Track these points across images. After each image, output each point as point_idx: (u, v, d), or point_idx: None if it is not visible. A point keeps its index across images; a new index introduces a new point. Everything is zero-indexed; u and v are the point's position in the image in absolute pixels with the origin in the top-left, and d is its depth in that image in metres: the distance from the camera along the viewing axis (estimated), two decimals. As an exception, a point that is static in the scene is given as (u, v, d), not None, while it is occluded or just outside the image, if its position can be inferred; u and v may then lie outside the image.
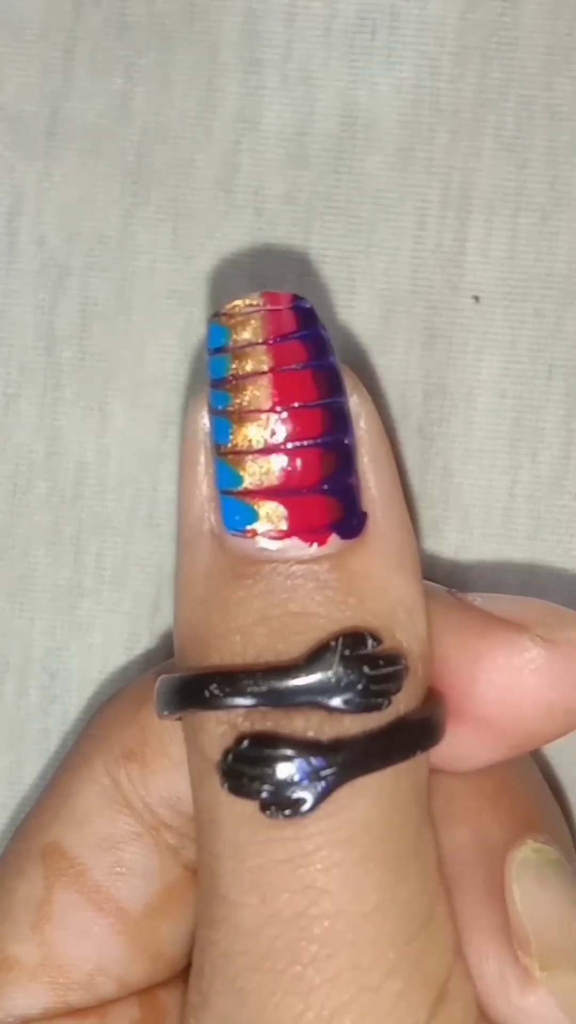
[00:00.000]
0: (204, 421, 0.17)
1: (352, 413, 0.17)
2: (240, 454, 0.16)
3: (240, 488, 0.16)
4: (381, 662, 0.16)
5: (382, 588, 0.16)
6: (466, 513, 0.22)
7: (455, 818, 0.18)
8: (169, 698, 0.17)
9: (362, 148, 0.22)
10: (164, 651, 0.22)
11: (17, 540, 0.23)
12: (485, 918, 0.17)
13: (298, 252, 0.22)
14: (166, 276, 0.22)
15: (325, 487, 0.16)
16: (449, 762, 0.17)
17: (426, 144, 0.22)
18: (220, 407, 0.16)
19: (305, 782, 0.15)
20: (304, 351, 0.16)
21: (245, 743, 0.16)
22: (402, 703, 0.16)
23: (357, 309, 0.22)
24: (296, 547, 0.16)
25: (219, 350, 0.16)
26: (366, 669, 0.16)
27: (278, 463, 0.16)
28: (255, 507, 0.16)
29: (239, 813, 0.16)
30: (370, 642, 0.16)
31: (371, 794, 0.16)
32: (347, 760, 0.16)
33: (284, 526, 0.16)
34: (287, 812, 0.15)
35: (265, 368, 0.16)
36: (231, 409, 0.16)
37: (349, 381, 0.17)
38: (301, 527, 0.16)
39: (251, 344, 0.16)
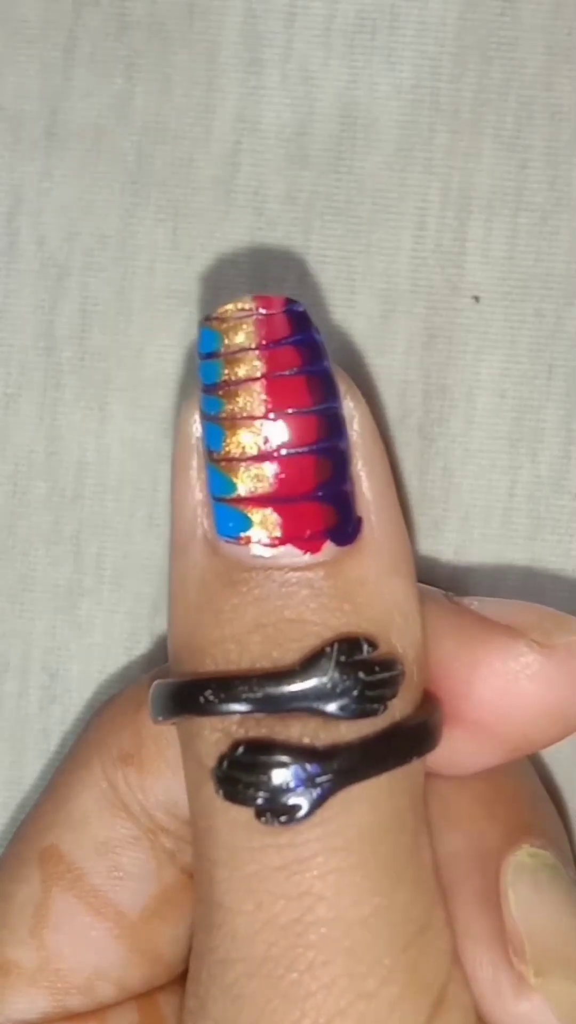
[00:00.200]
0: (196, 425, 0.17)
1: (346, 416, 0.17)
2: (233, 461, 0.16)
3: (233, 495, 0.16)
4: (377, 668, 0.16)
5: (377, 594, 0.16)
6: (466, 513, 0.22)
7: (450, 823, 0.18)
8: (164, 704, 0.17)
9: (362, 148, 0.22)
10: (164, 652, 0.22)
11: (17, 540, 0.23)
12: (480, 924, 0.17)
13: (298, 252, 0.22)
14: (166, 276, 0.22)
15: (320, 494, 0.16)
16: (445, 766, 0.17)
17: (426, 144, 0.22)
18: (212, 413, 0.16)
19: (300, 788, 0.15)
20: (298, 356, 0.16)
21: (240, 749, 0.16)
22: (398, 709, 0.16)
23: (357, 309, 0.22)
24: (290, 554, 0.16)
25: (211, 355, 0.16)
26: (362, 675, 0.16)
27: (271, 470, 0.16)
28: (249, 514, 0.16)
29: (234, 819, 0.16)
30: (365, 648, 0.16)
31: (367, 800, 0.16)
32: (343, 766, 0.16)
33: (278, 533, 0.16)
34: (283, 819, 0.15)
35: (258, 374, 0.16)
36: (223, 415, 0.16)
37: (343, 384, 0.17)
38: (295, 534, 0.16)
39: (244, 349, 0.16)
